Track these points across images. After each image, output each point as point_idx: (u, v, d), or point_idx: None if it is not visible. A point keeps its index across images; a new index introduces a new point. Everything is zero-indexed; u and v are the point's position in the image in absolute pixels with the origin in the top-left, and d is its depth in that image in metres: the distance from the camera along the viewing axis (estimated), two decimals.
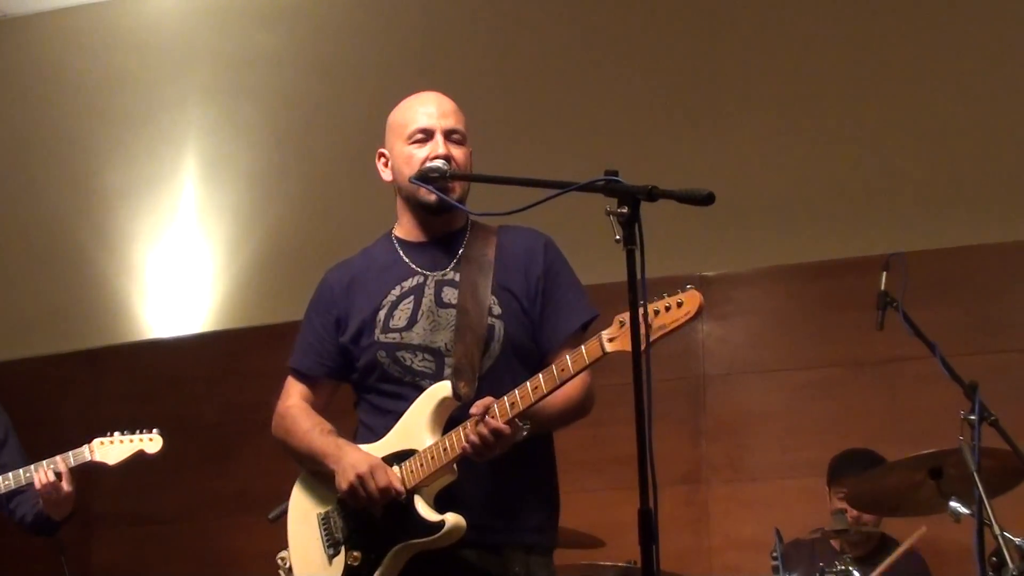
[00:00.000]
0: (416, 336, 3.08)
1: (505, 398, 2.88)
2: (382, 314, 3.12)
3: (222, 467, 6.25)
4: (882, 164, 5.71)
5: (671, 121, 6.03)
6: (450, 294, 3.10)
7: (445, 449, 2.95)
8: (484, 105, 5.45)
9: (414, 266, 3.16)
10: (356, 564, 3.04)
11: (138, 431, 4.40)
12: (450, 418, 3.01)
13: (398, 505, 2.99)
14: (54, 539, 4.54)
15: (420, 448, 2.99)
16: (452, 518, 2.94)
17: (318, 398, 3.25)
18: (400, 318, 3.11)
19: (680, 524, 5.41)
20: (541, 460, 3.12)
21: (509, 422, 2.87)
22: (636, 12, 6.21)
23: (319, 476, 3.13)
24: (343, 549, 3.08)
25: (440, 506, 2.98)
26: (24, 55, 7.22)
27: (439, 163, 3.10)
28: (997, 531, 3.69)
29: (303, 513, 3.19)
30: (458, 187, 3.12)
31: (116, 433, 4.37)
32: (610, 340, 2.80)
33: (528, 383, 2.88)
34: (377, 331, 3.11)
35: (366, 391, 3.17)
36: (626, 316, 2.73)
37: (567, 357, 2.86)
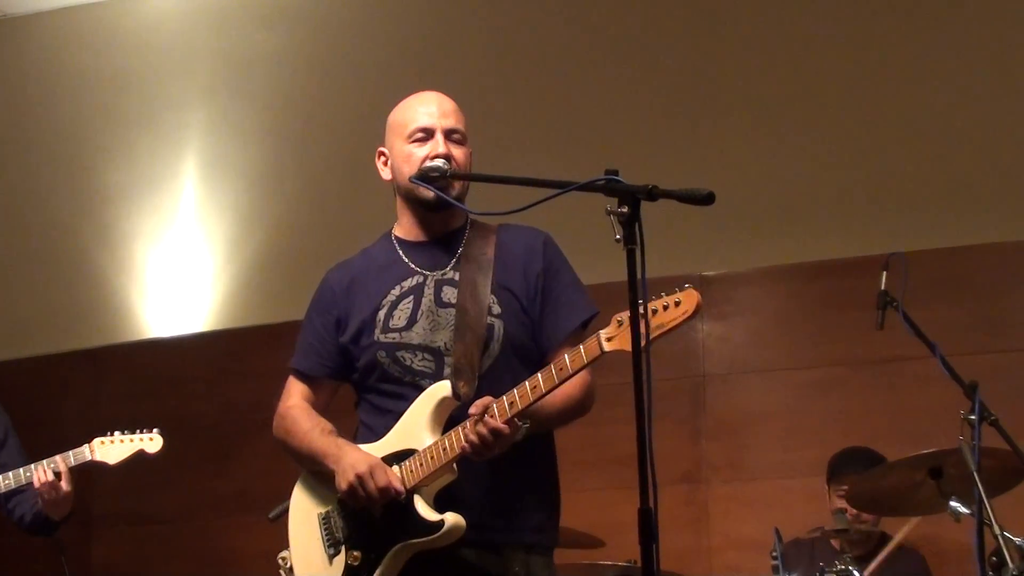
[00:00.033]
0: (416, 336, 3.08)
1: (504, 398, 2.88)
2: (382, 314, 3.12)
3: (222, 467, 6.25)
4: (882, 164, 5.71)
5: (671, 121, 6.03)
6: (450, 293, 3.10)
7: (444, 449, 2.95)
8: (484, 105, 5.46)
9: (413, 266, 3.16)
10: (356, 564, 3.05)
11: (138, 431, 4.40)
12: (450, 417, 3.01)
13: (398, 505, 2.99)
14: (54, 539, 4.54)
15: (420, 448, 2.99)
16: (451, 518, 2.94)
17: (319, 398, 3.25)
18: (400, 318, 3.11)
19: (680, 524, 5.41)
20: (541, 459, 3.12)
21: (508, 421, 2.87)
22: (637, 12, 6.21)
23: (320, 476, 3.13)
24: (343, 549, 3.08)
25: (440, 506, 2.98)
26: (24, 55, 7.22)
27: (439, 162, 3.10)
28: (997, 531, 3.69)
29: (304, 513, 3.19)
30: (456, 186, 3.12)
31: (116, 433, 4.37)
32: (608, 339, 2.80)
33: (527, 382, 2.88)
34: (377, 331, 3.11)
35: (366, 391, 3.17)
36: (624, 315, 2.74)
37: (565, 356, 2.86)
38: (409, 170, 3.12)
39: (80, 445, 4.32)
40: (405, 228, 3.22)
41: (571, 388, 2.97)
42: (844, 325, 5.41)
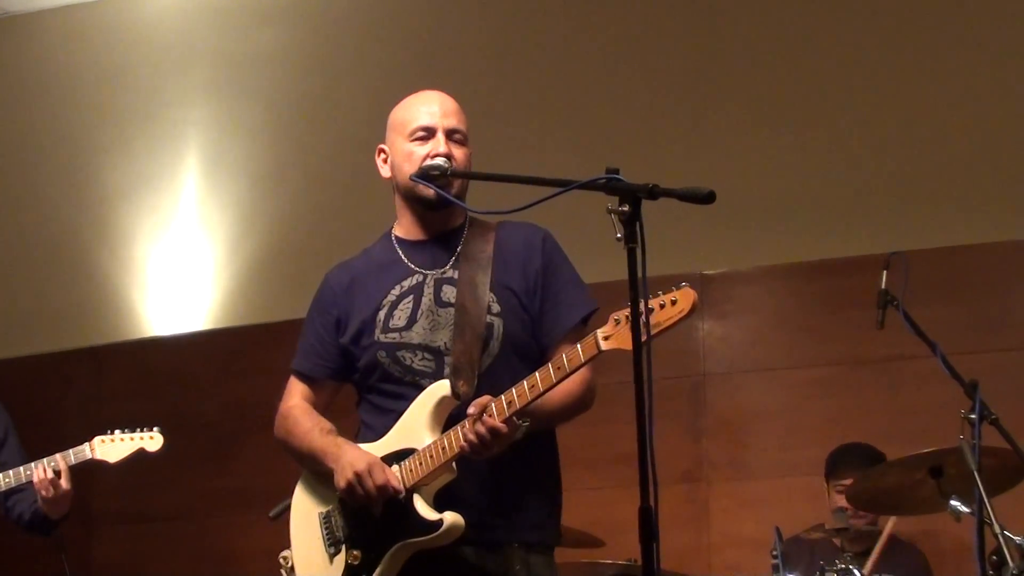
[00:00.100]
0: (416, 335, 3.08)
1: (503, 397, 2.88)
2: (382, 314, 3.12)
3: (223, 465, 6.25)
4: (883, 163, 5.71)
5: (672, 120, 6.04)
6: (449, 292, 3.10)
7: (444, 448, 2.95)
8: (485, 104, 5.46)
9: (413, 265, 3.16)
10: (356, 563, 3.05)
11: (139, 429, 4.40)
12: (450, 416, 3.01)
13: (398, 504, 2.99)
14: (55, 537, 4.54)
15: (419, 447, 2.99)
16: (450, 517, 2.94)
17: (320, 399, 3.26)
18: (400, 318, 3.11)
19: (680, 522, 5.41)
20: (542, 458, 3.12)
21: (507, 421, 2.87)
22: (637, 11, 6.21)
23: (321, 476, 3.13)
24: (344, 548, 3.08)
25: (440, 505, 2.98)
26: (25, 53, 7.22)
27: (440, 161, 3.10)
28: (997, 530, 3.69)
29: (305, 512, 3.19)
30: (456, 185, 3.11)
31: (117, 431, 4.37)
32: (605, 338, 2.80)
33: (525, 381, 2.87)
34: (377, 331, 3.11)
35: (367, 391, 3.17)
36: (621, 314, 2.74)
37: (563, 355, 2.86)
38: (410, 168, 3.12)
39: (80, 443, 4.32)
40: (404, 227, 3.22)
41: (571, 385, 2.97)
42: (845, 324, 5.41)
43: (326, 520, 3.13)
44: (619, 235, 2.54)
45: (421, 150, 3.12)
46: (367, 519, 3.05)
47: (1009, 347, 5.27)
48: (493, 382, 2.97)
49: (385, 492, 2.97)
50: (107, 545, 6.38)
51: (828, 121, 5.82)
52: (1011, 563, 3.66)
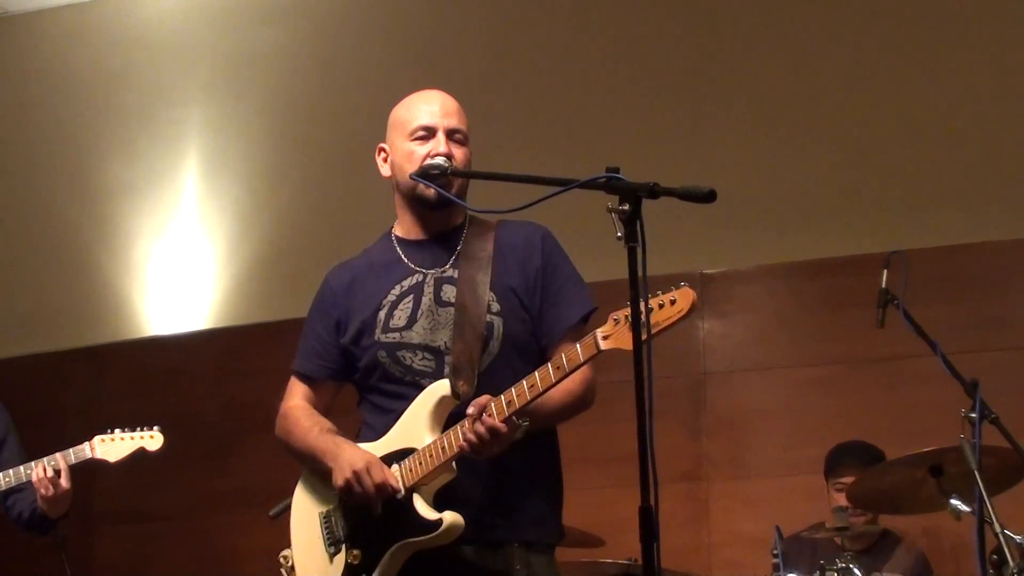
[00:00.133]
0: (416, 335, 3.08)
1: (502, 396, 2.88)
2: (382, 314, 3.12)
3: (223, 464, 6.25)
4: (883, 162, 5.71)
5: (672, 119, 6.04)
6: (449, 292, 3.10)
7: (443, 447, 2.95)
8: (485, 103, 5.45)
9: (413, 265, 3.16)
10: (356, 562, 3.05)
11: (139, 428, 4.40)
12: (451, 416, 3.01)
13: (398, 503, 2.99)
14: (56, 537, 4.54)
15: (419, 446, 2.99)
16: (450, 516, 2.94)
17: (321, 399, 3.25)
18: (400, 317, 3.10)
19: (681, 521, 5.42)
20: (542, 457, 3.12)
21: (506, 420, 2.86)
22: (638, 10, 6.21)
23: (321, 475, 3.13)
24: (344, 547, 3.08)
25: (440, 504, 2.98)
26: (26, 52, 7.22)
27: (440, 160, 3.09)
28: (998, 529, 3.70)
29: (305, 512, 3.19)
30: (456, 185, 3.11)
31: (117, 430, 4.37)
32: (604, 338, 2.79)
33: (525, 381, 2.87)
34: (377, 331, 3.11)
35: (368, 391, 3.17)
36: (620, 314, 2.74)
37: (563, 355, 2.86)
38: (410, 167, 3.12)
39: (80, 442, 4.32)
40: (404, 227, 3.22)
41: (571, 384, 2.97)
42: (845, 323, 5.42)
43: (326, 520, 3.13)
44: (619, 234, 2.54)
45: (421, 149, 3.12)
46: (367, 518, 3.04)
47: (1009, 346, 5.27)
48: (493, 381, 2.97)
49: (383, 491, 2.97)
50: (107, 545, 6.38)
51: (828, 121, 5.82)
52: (1011, 562, 3.67)
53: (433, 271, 3.14)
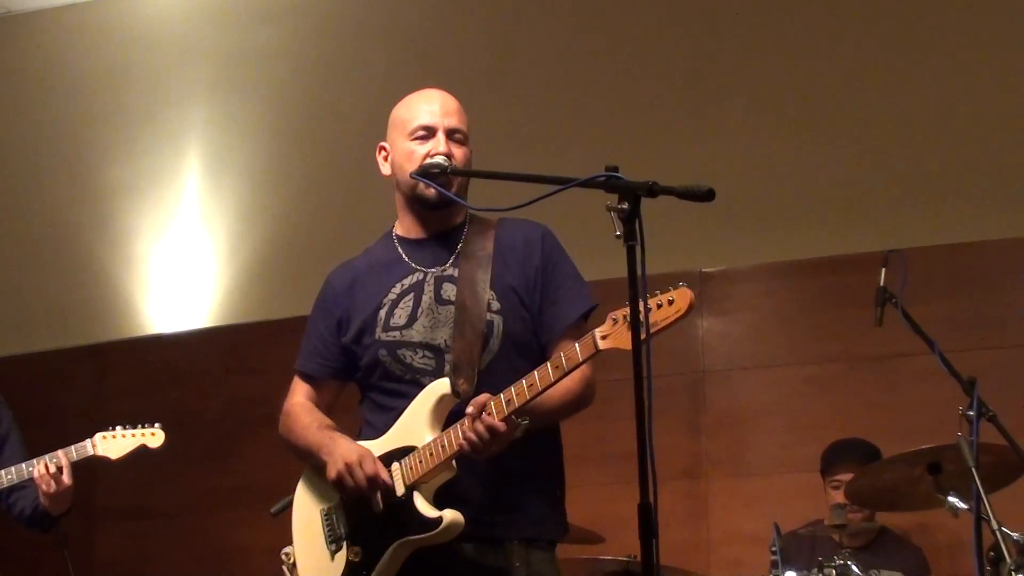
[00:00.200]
0: (416, 334, 3.09)
1: (501, 395, 2.89)
2: (383, 313, 3.13)
3: (225, 462, 6.27)
4: (881, 160, 5.72)
5: (672, 117, 6.04)
6: (449, 290, 3.11)
7: (443, 446, 2.96)
8: (485, 102, 5.46)
9: (413, 263, 3.17)
10: (357, 560, 3.06)
11: (140, 425, 4.40)
12: (451, 414, 3.02)
13: (398, 501, 3.00)
14: (57, 534, 4.54)
15: (419, 445, 3.00)
16: (449, 514, 2.95)
17: (323, 398, 3.27)
18: (400, 316, 3.12)
19: (680, 518, 5.43)
20: (543, 455, 3.13)
21: (506, 419, 2.87)
22: (638, 10, 6.22)
23: (321, 472, 3.14)
24: (345, 545, 3.10)
25: (440, 502, 2.99)
26: (27, 51, 7.23)
27: (440, 159, 3.10)
28: (995, 526, 3.70)
29: (306, 509, 3.21)
30: (455, 184, 3.12)
31: (118, 427, 4.37)
32: (603, 337, 2.80)
33: (524, 380, 2.88)
34: (378, 330, 3.12)
35: (369, 389, 3.19)
36: (619, 313, 2.75)
37: (562, 354, 2.86)
38: (410, 167, 3.13)
39: (82, 440, 4.33)
40: (405, 226, 3.23)
41: (570, 382, 2.97)
42: (843, 321, 5.42)
43: (327, 517, 3.15)
44: (618, 233, 2.55)
45: (421, 149, 3.13)
46: (368, 516, 3.06)
47: (1007, 344, 5.28)
48: (493, 380, 2.98)
49: (376, 483, 2.99)
50: (109, 542, 6.39)
51: (827, 120, 5.83)
52: (1008, 559, 3.67)
53: (433, 270, 3.15)
